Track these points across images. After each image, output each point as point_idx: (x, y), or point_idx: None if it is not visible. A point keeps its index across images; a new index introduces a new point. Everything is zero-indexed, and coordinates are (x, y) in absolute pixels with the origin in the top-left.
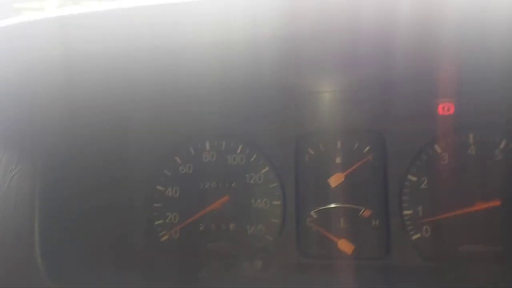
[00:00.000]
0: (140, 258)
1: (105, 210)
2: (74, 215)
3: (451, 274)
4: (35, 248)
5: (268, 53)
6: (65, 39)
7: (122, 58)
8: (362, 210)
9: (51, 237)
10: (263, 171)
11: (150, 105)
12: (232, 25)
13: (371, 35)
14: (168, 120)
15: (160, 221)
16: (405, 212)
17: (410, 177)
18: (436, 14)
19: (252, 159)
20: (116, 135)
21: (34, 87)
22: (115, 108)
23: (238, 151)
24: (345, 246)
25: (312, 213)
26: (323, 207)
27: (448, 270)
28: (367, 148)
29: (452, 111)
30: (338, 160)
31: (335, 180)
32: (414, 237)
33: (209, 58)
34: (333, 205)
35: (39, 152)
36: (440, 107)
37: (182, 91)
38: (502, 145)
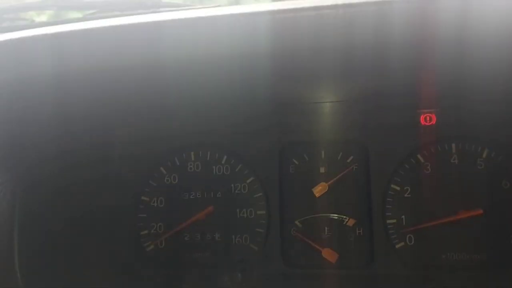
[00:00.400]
0: (125, 268)
1: (89, 220)
2: (57, 224)
3: (432, 283)
4: (14, 259)
5: (252, 65)
6: (50, 55)
7: (107, 72)
8: (346, 219)
9: (31, 246)
10: (248, 181)
11: (135, 117)
12: (216, 39)
13: (357, 49)
14: (153, 131)
15: (145, 232)
16: (389, 221)
17: (393, 186)
18: (420, 28)
19: (236, 169)
20: (101, 146)
21: (17, 99)
22: (100, 119)
23: (223, 161)
24: (329, 255)
25: (297, 222)
26: (307, 217)
27: (431, 279)
28: (350, 158)
29: (434, 121)
30: (322, 170)
31: (319, 190)
32: (398, 245)
33: (194, 71)
34: (317, 215)
35: (21, 162)
36: (422, 117)
37: (167, 102)
38: (484, 154)
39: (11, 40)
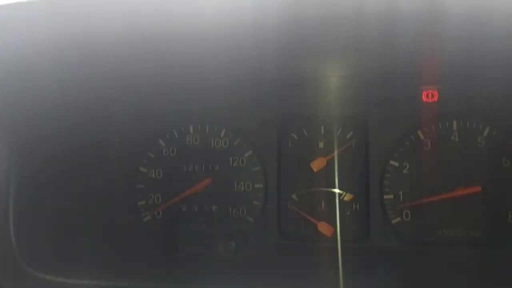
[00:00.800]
0: (121, 238)
1: (87, 190)
2: (54, 194)
3: (426, 257)
4: (10, 232)
5: (253, 38)
6: (50, 22)
7: (108, 43)
8: (343, 194)
9: (29, 215)
10: (246, 154)
11: (135, 90)
12: (219, 9)
13: (364, 21)
14: (152, 104)
15: (143, 202)
16: (386, 197)
17: (392, 162)
18: (429, 3)
19: (235, 142)
20: (100, 117)
21: (15, 71)
22: (99, 90)
23: (222, 135)
24: (325, 228)
25: (294, 196)
26: (304, 191)
27: (426, 254)
28: (350, 134)
29: (436, 98)
30: (321, 145)
31: (317, 164)
32: (394, 221)
33: (194, 44)
34: (314, 189)
35: (17, 133)
36: (424, 94)
37: (167, 76)
38: (486, 132)
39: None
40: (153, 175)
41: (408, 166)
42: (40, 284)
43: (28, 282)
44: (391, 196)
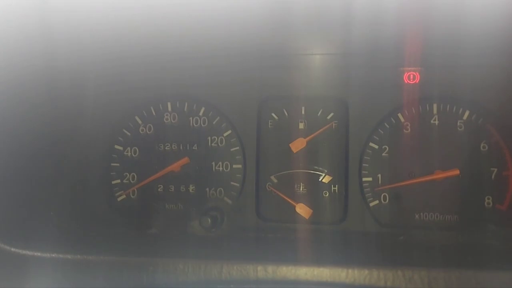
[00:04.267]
0: (94, 216)
1: (59, 165)
2: (27, 167)
3: (401, 237)
4: None
5: (235, 14)
6: None
7: (87, 17)
8: (322, 176)
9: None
10: (225, 134)
11: (112, 64)
12: None
13: (347, 2)
14: (129, 79)
15: (118, 181)
16: (364, 179)
17: (371, 144)
18: None
19: (214, 122)
20: (74, 90)
21: None
22: (74, 63)
23: (201, 113)
24: (303, 210)
25: (272, 177)
26: (283, 172)
27: (403, 237)
28: (330, 115)
29: (417, 80)
30: (301, 125)
31: (297, 145)
32: (372, 203)
33: (176, 21)
34: (293, 170)
35: None
36: (405, 75)
37: (145, 50)
38: (465, 116)
39: None
40: (129, 153)
41: (387, 148)
42: (5, 257)
43: None
44: (369, 179)
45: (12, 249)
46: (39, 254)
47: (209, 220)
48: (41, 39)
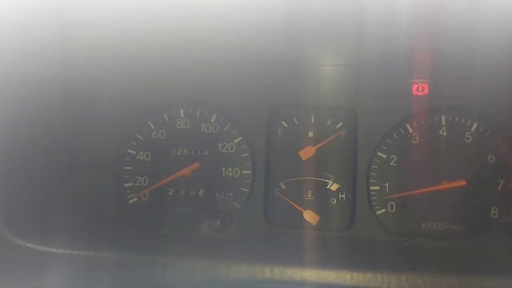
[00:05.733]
0: (106, 216)
1: (73, 166)
2: (42, 167)
3: (406, 243)
4: None
5: (249, 24)
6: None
7: (99, 21)
8: (330, 184)
9: (13, 188)
10: (236, 140)
11: (126, 69)
12: None
13: (359, 14)
14: (143, 85)
15: (130, 184)
16: (372, 188)
17: (379, 154)
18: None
19: (225, 128)
20: (89, 95)
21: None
22: (90, 68)
23: (212, 120)
24: (310, 217)
25: (281, 184)
26: (292, 179)
27: (409, 245)
28: (340, 124)
29: (426, 91)
30: (310, 134)
31: (306, 153)
32: (379, 212)
33: (188, 29)
34: (302, 178)
35: (5, 110)
36: (414, 87)
37: (160, 58)
38: (473, 128)
39: None
40: (141, 158)
41: (395, 158)
42: (21, 252)
43: (10, 250)
44: (377, 187)
45: (28, 245)
46: (53, 250)
47: (218, 222)
48: (59, 47)
